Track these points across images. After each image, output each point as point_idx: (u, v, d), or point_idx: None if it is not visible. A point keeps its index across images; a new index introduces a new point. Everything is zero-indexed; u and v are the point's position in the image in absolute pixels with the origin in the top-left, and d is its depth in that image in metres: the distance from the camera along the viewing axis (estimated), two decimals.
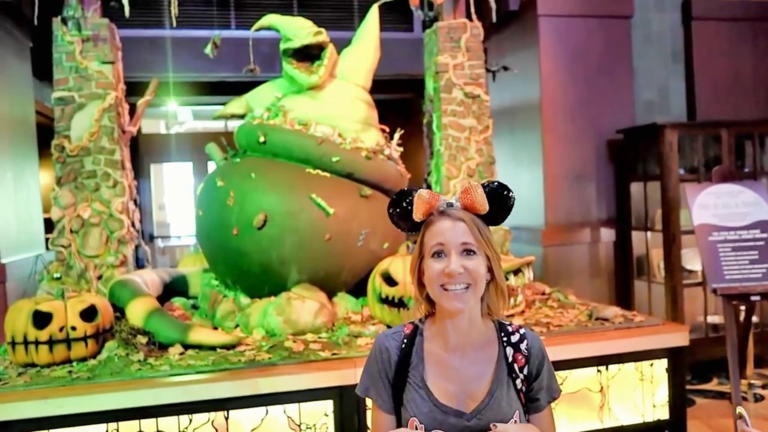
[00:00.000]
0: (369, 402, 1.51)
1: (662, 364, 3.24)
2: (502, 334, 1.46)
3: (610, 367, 3.17)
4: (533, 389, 1.45)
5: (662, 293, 4.81)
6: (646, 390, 3.23)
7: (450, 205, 1.42)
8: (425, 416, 1.37)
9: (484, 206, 1.40)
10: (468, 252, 1.37)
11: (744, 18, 5.46)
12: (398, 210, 1.45)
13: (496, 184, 1.42)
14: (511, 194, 1.42)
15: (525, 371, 1.44)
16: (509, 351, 1.44)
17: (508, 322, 1.50)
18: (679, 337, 3.25)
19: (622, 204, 5.21)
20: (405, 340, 1.46)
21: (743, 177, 4.68)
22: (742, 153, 5.00)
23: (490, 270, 1.41)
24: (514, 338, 1.46)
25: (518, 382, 1.43)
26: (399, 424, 1.44)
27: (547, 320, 3.43)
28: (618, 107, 5.27)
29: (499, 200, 1.41)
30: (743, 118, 5.25)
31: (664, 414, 3.24)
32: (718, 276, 3.40)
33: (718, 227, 3.47)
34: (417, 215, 1.42)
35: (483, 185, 1.42)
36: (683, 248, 4.68)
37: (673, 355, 3.25)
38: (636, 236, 5.12)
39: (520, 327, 1.49)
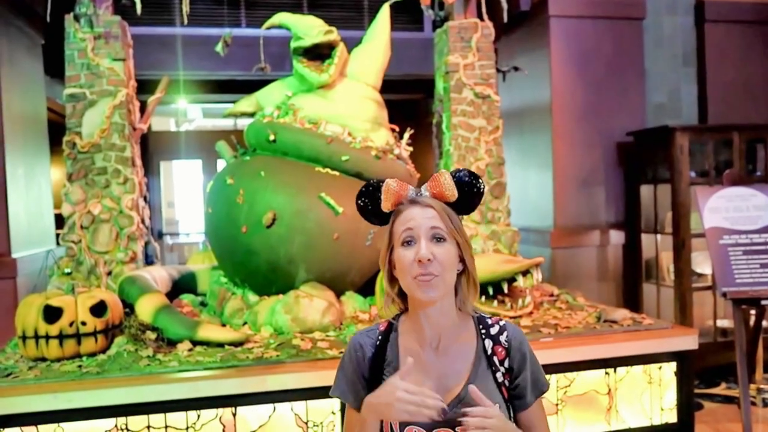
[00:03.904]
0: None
1: (671, 367, 3.23)
2: (481, 326, 1.42)
3: (618, 369, 3.16)
4: (518, 385, 1.39)
5: (671, 296, 4.78)
6: (654, 393, 3.21)
7: (419, 194, 1.39)
8: None
9: (453, 193, 1.37)
10: (438, 239, 1.34)
11: (757, 21, 5.42)
12: (366, 201, 1.42)
13: (464, 172, 1.40)
14: (479, 182, 1.39)
15: (506, 364, 1.39)
16: (488, 343, 1.40)
17: (487, 315, 1.46)
18: (688, 341, 3.24)
19: (632, 207, 5.18)
20: (380, 337, 1.43)
21: (754, 181, 4.65)
22: (753, 157, 4.97)
23: (462, 261, 1.38)
24: (494, 330, 1.42)
25: (499, 375, 1.38)
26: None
27: (556, 322, 3.42)
28: (628, 110, 5.24)
29: (468, 188, 1.38)
30: (754, 122, 5.21)
31: (672, 417, 3.23)
32: (729, 280, 3.37)
33: (729, 231, 3.45)
34: (386, 205, 1.39)
35: (452, 173, 1.39)
36: (693, 251, 4.66)
37: (681, 358, 3.24)
38: (645, 239, 5.10)
39: (500, 319, 1.45)
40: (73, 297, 2.96)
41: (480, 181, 1.39)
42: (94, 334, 2.93)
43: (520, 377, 1.40)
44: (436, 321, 1.38)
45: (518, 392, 1.40)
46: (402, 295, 1.42)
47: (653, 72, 5.40)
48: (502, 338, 1.40)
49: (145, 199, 4.07)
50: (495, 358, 1.39)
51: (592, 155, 5.19)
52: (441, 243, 1.34)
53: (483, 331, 1.42)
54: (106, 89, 3.86)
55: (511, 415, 1.40)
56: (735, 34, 5.42)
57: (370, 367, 1.40)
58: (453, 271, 1.36)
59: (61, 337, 2.86)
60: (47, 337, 2.86)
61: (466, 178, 1.38)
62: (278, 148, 3.70)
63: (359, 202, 1.43)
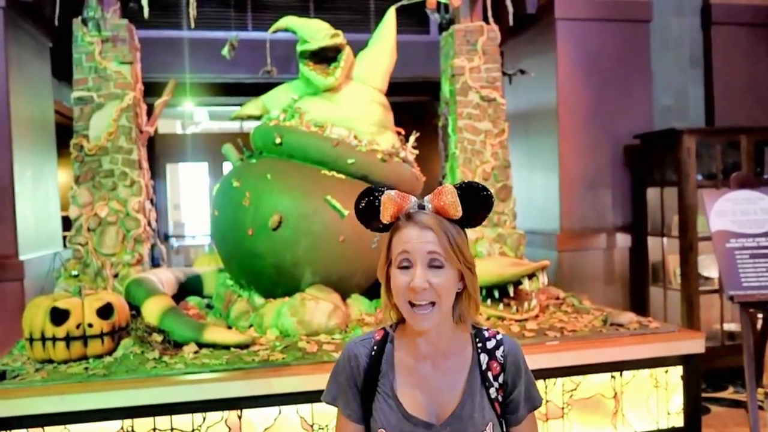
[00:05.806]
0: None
1: (677, 371, 3.22)
2: (477, 340, 1.39)
3: (625, 373, 3.15)
4: (512, 400, 1.37)
5: (678, 300, 4.76)
6: (661, 397, 3.20)
7: (421, 207, 1.32)
8: (393, 427, 1.32)
9: (456, 211, 1.29)
10: (435, 265, 1.28)
11: (763, 23, 5.40)
12: (366, 209, 1.35)
13: (471, 185, 1.30)
14: (488, 198, 1.30)
15: (500, 379, 1.36)
16: (483, 358, 1.36)
17: (485, 328, 1.42)
18: (694, 345, 3.23)
19: (639, 210, 5.16)
20: (375, 347, 1.39)
21: (762, 183, 4.62)
22: (760, 159, 4.94)
23: (462, 279, 1.32)
24: (490, 344, 1.38)
25: (492, 391, 1.35)
26: None
27: (562, 325, 3.41)
28: (635, 112, 5.23)
29: (475, 201, 1.29)
30: (762, 124, 5.19)
31: (678, 422, 3.22)
32: (735, 283, 3.35)
33: (736, 234, 3.43)
34: (385, 217, 1.32)
35: (457, 186, 1.30)
36: (700, 255, 4.64)
37: (688, 362, 3.22)
38: (652, 242, 5.08)
39: (498, 333, 1.41)
40: (79, 299, 2.97)
41: (489, 197, 1.30)
42: (100, 336, 2.95)
43: (515, 392, 1.38)
44: (432, 339, 1.35)
45: (512, 407, 1.38)
46: None
47: (660, 74, 5.39)
48: (498, 353, 1.38)
49: (151, 201, 4.09)
50: (489, 374, 1.36)
51: (599, 158, 5.18)
52: (438, 269, 1.28)
53: (479, 344, 1.39)
54: (114, 92, 3.88)
55: (504, 430, 1.39)
56: (742, 36, 5.40)
57: (365, 378, 1.38)
58: (450, 297, 1.31)
59: (68, 339, 2.88)
60: (54, 339, 2.87)
61: (474, 194, 1.29)
62: (284, 150, 3.71)
63: (359, 210, 1.36)
